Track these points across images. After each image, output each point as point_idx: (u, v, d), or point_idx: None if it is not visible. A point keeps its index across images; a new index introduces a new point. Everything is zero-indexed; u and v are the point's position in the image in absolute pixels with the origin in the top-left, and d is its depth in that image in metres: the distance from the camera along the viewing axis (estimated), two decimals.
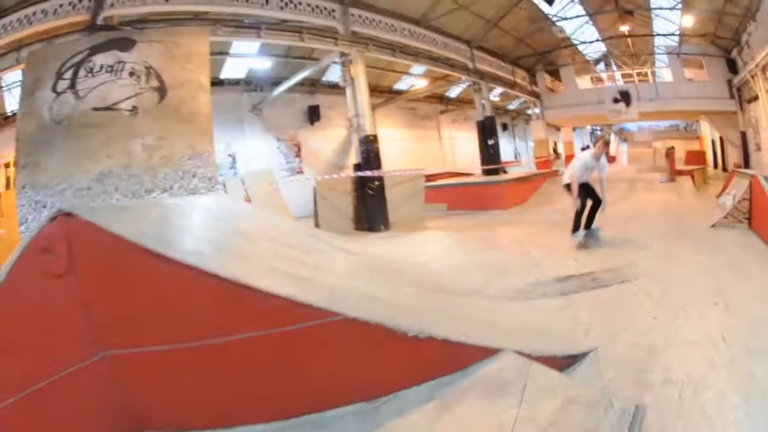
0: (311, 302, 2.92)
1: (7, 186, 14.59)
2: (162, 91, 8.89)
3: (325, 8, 11.95)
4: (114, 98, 8.75)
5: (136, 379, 2.85)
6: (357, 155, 12.01)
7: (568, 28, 21.14)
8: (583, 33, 22.43)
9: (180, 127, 8.69)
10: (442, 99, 24.55)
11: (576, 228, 7.87)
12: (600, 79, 25.68)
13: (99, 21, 10.08)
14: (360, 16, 12.82)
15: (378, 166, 11.78)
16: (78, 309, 2.73)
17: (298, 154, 17.71)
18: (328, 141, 18.26)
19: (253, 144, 16.76)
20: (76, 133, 8.55)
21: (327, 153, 18.19)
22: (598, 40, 23.09)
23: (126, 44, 9.28)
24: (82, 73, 9.01)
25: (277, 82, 15.99)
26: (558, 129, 28.88)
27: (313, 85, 17.97)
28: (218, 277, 2.85)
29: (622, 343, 3.73)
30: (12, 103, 16.05)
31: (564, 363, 3.30)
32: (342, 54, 12.15)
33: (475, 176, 18.72)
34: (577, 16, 19.71)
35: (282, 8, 11.16)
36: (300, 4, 11.49)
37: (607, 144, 8.12)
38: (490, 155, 18.60)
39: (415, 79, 21.47)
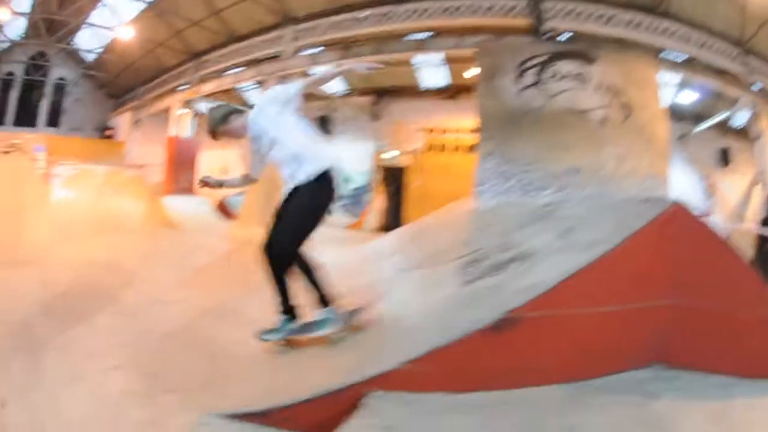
0: None
1: (428, 148, 17.74)
2: (627, 110, 10.09)
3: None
4: (584, 105, 10.13)
5: (683, 324, 3.87)
6: (763, 209, 13.46)
7: None
8: None
9: (643, 146, 9.87)
10: None
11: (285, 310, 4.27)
12: None
13: (543, 30, 12.07)
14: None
15: None
16: (672, 267, 3.90)
17: (711, 195, 18.34)
18: (736, 187, 18.27)
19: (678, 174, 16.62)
20: (547, 126, 10.02)
21: (732, 199, 18.37)
22: None
23: (587, 59, 10.64)
24: (547, 74, 10.61)
25: (696, 117, 17.27)
26: None
27: (724, 126, 18.23)
28: None
29: None
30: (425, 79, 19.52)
31: None
32: (753, 104, 13.58)
33: None
34: None
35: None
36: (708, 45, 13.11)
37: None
38: None
39: None
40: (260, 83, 20.41)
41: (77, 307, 5.98)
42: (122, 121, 27.77)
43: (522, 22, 12.85)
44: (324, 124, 23.19)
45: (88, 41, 25.01)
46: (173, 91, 22.44)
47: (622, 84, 10.30)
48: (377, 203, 18.81)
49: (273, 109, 4.00)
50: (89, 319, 5.57)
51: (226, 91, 23.72)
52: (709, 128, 17.14)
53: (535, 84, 10.53)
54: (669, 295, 3.88)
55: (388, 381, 3.30)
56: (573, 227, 4.74)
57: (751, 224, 14.47)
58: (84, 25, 22.88)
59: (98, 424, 3.32)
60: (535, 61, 10.74)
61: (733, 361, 3.73)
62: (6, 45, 23.89)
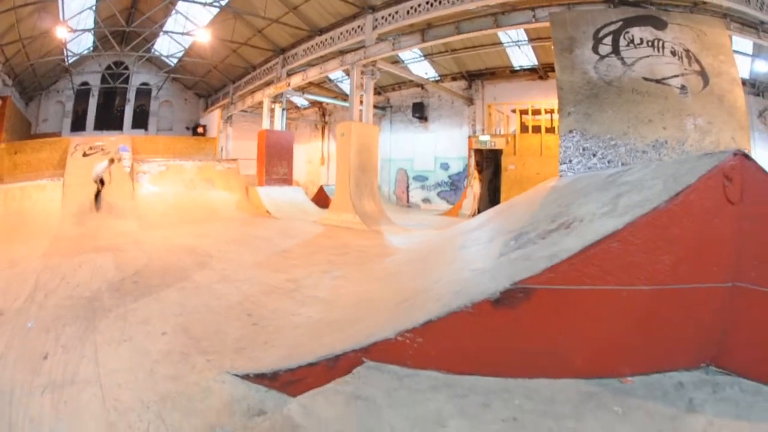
0: None
1: (523, 129, 18.24)
2: (704, 76, 9.95)
3: None
4: (662, 73, 10.03)
5: (750, 316, 3.09)
6: None
7: None
8: None
9: (724, 116, 9.67)
10: None
11: None
12: None
13: None
14: None
15: None
16: (734, 236, 3.11)
17: None
18: None
19: (762, 153, 15.95)
20: (628, 97, 10.00)
21: None
22: None
23: (658, 23, 10.53)
24: (622, 42, 10.51)
25: None
26: None
27: None
28: None
29: None
30: (517, 58, 19.89)
31: None
32: None
33: None
34: None
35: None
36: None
37: None
38: None
39: None
40: (346, 73, 21.44)
41: (145, 285, 6.79)
42: (214, 118, 30.58)
43: None
44: (419, 110, 24.81)
45: (167, 47, 27.53)
46: (264, 86, 23.96)
47: (696, 49, 10.29)
48: (474, 188, 19.55)
49: None
50: (154, 294, 6.29)
51: (318, 84, 25.77)
52: None
53: (612, 53, 10.64)
54: (729, 275, 3.13)
55: (384, 352, 3.31)
56: (623, 192, 4.14)
57: None
58: (160, 33, 25.04)
59: (126, 374, 3.82)
60: (609, 29, 10.80)
61: None
62: (75, 58, 26.42)
